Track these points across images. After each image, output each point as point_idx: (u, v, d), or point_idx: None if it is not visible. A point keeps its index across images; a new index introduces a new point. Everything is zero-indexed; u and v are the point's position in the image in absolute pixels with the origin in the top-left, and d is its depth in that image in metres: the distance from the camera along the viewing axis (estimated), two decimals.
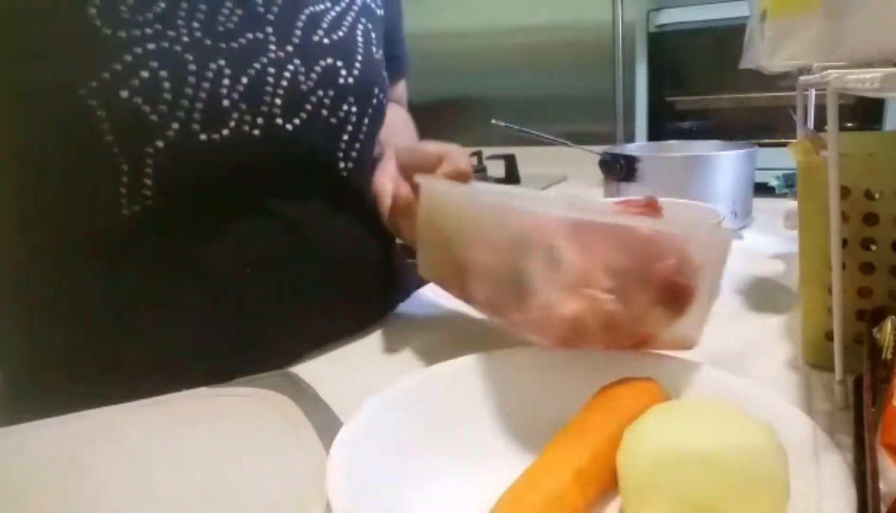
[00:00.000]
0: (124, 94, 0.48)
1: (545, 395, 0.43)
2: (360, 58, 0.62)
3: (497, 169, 1.66)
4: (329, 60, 0.59)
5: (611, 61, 1.68)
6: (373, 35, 0.65)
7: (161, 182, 0.52)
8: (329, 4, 0.61)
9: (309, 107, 0.57)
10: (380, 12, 0.68)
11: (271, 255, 0.57)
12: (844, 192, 0.46)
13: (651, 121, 1.37)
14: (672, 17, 1.32)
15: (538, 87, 1.81)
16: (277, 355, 0.58)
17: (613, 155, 1.09)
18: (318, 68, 0.58)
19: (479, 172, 1.63)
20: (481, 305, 0.51)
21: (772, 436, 0.34)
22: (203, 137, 0.51)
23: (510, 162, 1.64)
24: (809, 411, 0.46)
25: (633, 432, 0.36)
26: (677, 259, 0.41)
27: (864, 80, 0.36)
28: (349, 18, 0.62)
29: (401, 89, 0.87)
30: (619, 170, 1.07)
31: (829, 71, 0.38)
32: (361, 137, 0.63)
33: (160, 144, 0.50)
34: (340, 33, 0.61)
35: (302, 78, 0.57)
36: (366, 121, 0.63)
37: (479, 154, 1.70)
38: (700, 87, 1.44)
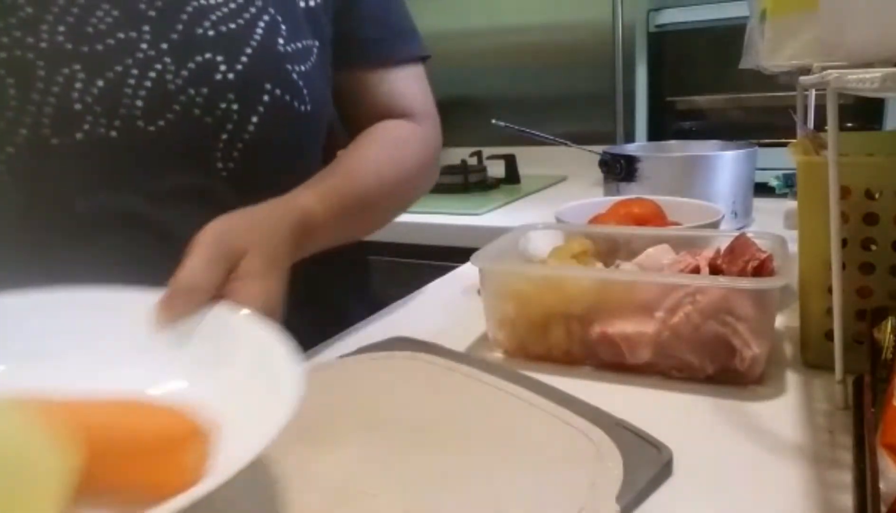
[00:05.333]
0: None
1: None
2: (249, 51, 0.58)
3: (497, 169, 1.65)
4: (207, 55, 0.56)
5: (611, 61, 1.67)
6: (283, 27, 0.60)
7: (21, 189, 0.52)
8: None
9: (177, 107, 0.55)
10: (304, 3, 0.64)
11: (141, 263, 0.49)
12: (844, 192, 0.46)
13: (651, 121, 1.37)
14: (672, 17, 1.32)
15: (538, 87, 1.81)
16: None
17: (613, 155, 1.09)
18: (191, 65, 0.55)
19: (479, 172, 1.63)
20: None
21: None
22: (55, 141, 0.51)
23: (510, 162, 1.64)
24: (809, 411, 0.46)
25: None
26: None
27: (864, 80, 0.36)
28: (251, 10, 0.59)
29: (394, 80, 0.72)
30: (619, 170, 1.07)
31: (829, 71, 0.38)
32: (246, 136, 0.58)
33: (10, 149, 0.51)
34: (232, 25, 0.57)
35: (169, 77, 0.55)
36: (254, 119, 0.58)
37: (479, 154, 1.70)
38: (700, 87, 1.44)
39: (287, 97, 0.60)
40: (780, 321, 0.60)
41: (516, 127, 1.25)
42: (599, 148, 1.16)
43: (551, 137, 1.26)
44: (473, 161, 1.68)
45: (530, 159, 1.69)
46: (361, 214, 0.64)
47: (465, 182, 1.57)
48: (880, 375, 0.38)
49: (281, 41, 0.60)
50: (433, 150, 0.74)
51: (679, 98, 1.43)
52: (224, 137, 0.58)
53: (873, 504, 0.29)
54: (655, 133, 1.38)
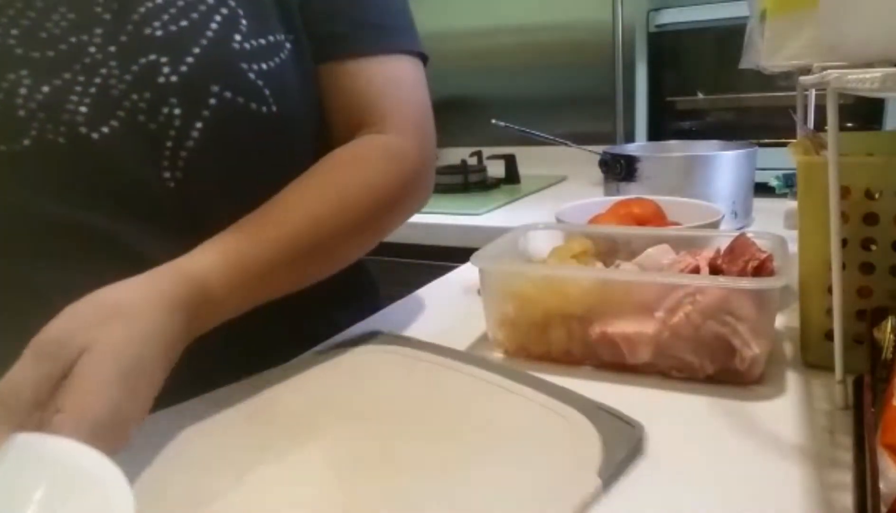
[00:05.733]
0: None
1: None
2: (196, 50, 0.53)
3: (497, 169, 1.65)
4: (151, 57, 0.53)
5: (611, 61, 1.67)
6: (242, 21, 0.56)
7: None
8: None
9: (122, 113, 0.53)
10: None
11: (99, 275, 0.46)
12: (844, 192, 0.46)
13: (651, 121, 1.37)
14: (672, 17, 1.32)
15: (538, 88, 1.81)
16: None
17: (613, 155, 1.09)
18: (134, 68, 0.53)
19: (479, 172, 1.63)
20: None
21: None
22: (2, 147, 0.50)
23: (510, 162, 1.64)
24: (809, 410, 0.46)
25: None
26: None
27: (864, 80, 0.36)
28: (206, 4, 0.55)
29: (344, 74, 0.62)
30: (619, 170, 1.07)
31: (829, 71, 0.38)
32: (190, 143, 0.54)
33: None
34: (183, 23, 0.54)
35: (113, 81, 0.52)
36: (198, 125, 0.54)
37: (479, 154, 1.70)
38: (700, 87, 1.44)
39: (240, 99, 0.55)
40: (780, 321, 0.60)
41: (516, 127, 1.25)
42: (599, 148, 1.16)
43: (551, 137, 1.26)
44: (473, 161, 1.68)
45: (530, 159, 1.69)
46: (293, 266, 0.54)
47: (465, 182, 1.57)
48: (880, 375, 0.38)
49: (238, 37, 0.55)
50: (412, 164, 0.61)
51: (679, 98, 1.43)
52: (168, 144, 0.54)
53: (873, 504, 0.29)
54: (655, 133, 1.38)
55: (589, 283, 0.54)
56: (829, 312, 0.47)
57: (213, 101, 0.54)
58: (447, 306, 0.74)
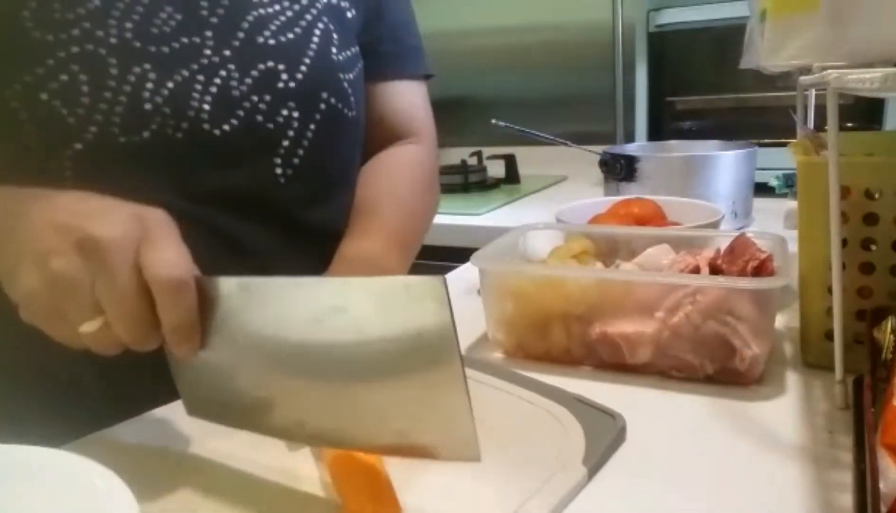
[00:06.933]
0: (44, 96, 0.49)
1: None
2: (307, 60, 0.60)
3: (497, 169, 1.65)
4: (269, 64, 0.57)
5: (611, 61, 1.67)
6: (334, 36, 0.63)
7: (82, 185, 0.50)
8: (285, 4, 0.60)
9: (241, 112, 0.56)
10: (350, 14, 0.66)
11: (206, 264, 0.46)
12: (844, 192, 0.46)
13: (651, 121, 1.37)
14: (672, 17, 1.32)
15: (538, 88, 1.81)
16: None
17: (613, 155, 1.09)
18: (254, 72, 0.57)
19: (479, 172, 1.63)
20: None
21: None
22: (123, 139, 0.51)
23: (510, 162, 1.64)
24: (809, 411, 0.46)
25: None
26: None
27: (864, 80, 0.36)
28: (307, 18, 0.61)
29: (393, 93, 0.73)
30: (619, 170, 1.07)
31: (829, 71, 0.38)
32: (305, 143, 0.60)
33: (79, 146, 0.50)
34: (290, 35, 0.59)
35: (234, 84, 0.56)
36: (311, 127, 0.60)
37: (479, 154, 1.70)
38: (700, 87, 1.44)
39: (339, 105, 0.62)
40: (780, 321, 0.60)
41: (516, 127, 1.25)
42: (599, 148, 1.16)
43: (551, 137, 1.26)
44: (473, 161, 1.68)
45: (530, 159, 1.68)
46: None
47: (465, 182, 1.57)
48: (880, 375, 0.38)
49: (334, 50, 0.62)
50: (431, 170, 0.76)
51: (679, 98, 1.43)
52: (285, 143, 0.59)
53: (873, 504, 0.29)
54: (655, 133, 1.38)
55: (588, 282, 0.54)
56: (829, 312, 0.47)
57: (322, 106, 0.61)
58: None
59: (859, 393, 0.44)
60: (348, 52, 0.64)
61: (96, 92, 0.50)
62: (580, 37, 1.74)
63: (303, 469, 0.41)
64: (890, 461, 0.30)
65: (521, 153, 1.66)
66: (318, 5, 0.62)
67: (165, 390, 0.47)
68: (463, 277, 0.83)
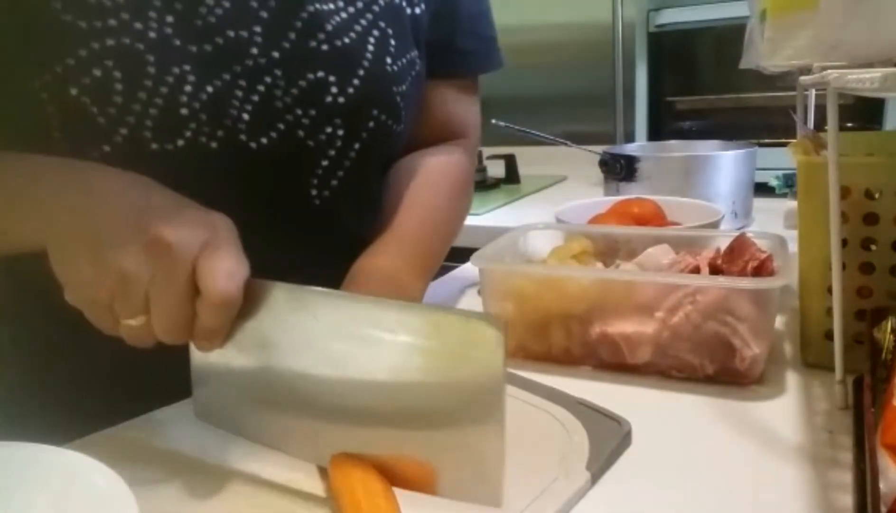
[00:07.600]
0: (74, 91, 0.44)
1: None
2: (361, 73, 0.54)
3: (497, 169, 1.65)
4: (319, 74, 0.52)
5: (611, 61, 1.67)
6: (391, 42, 0.56)
7: None
8: (340, 4, 0.54)
9: (282, 125, 0.52)
10: (412, 10, 0.59)
11: None
12: (844, 192, 0.46)
13: (651, 121, 1.37)
14: (672, 17, 1.32)
15: (538, 87, 1.81)
16: None
17: (613, 155, 1.09)
18: (302, 83, 0.52)
19: (479, 172, 1.63)
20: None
21: None
22: (154, 146, 0.47)
23: (510, 162, 1.64)
24: (809, 411, 0.46)
25: None
26: None
27: (864, 80, 0.36)
28: (363, 22, 0.55)
29: (458, 94, 0.68)
30: (619, 170, 1.07)
31: (829, 71, 0.38)
32: (347, 163, 0.56)
33: (107, 148, 0.46)
34: (346, 39, 0.53)
35: (279, 93, 0.51)
36: (356, 146, 0.55)
37: (479, 154, 1.70)
38: (700, 87, 1.44)
39: (389, 121, 0.57)
40: (780, 321, 0.60)
41: (516, 127, 1.25)
42: (599, 148, 1.16)
43: (551, 137, 1.26)
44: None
45: (530, 159, 1.68)
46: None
47: None
48: (880, 375, 0.38)
49: (389, 60, 0.56)
50: (469, 173, 0.71)
51: (679, 98, 1.43)
52: (324, 163, 0.54)
53: (873, 504, 0.29)
54: (655, 133, 1.37)
55: (588, 282, 0.54)
56: (829, 312, 0.47)
57: (371, 124, 0.56)
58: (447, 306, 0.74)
59: (859, 393, 0.44)
60: (404, 60, 0.58)
61: (130, 91, 0.45)
62: (580, 37, 1.74)
63: (305, 474, 0.41)
64: (890, 461, 0.30)
65: (521, 153, 1.66)
66: (376, 7, 0.56)
67: (170, 391, 0.47)
68: (463, 276, 0.83)
